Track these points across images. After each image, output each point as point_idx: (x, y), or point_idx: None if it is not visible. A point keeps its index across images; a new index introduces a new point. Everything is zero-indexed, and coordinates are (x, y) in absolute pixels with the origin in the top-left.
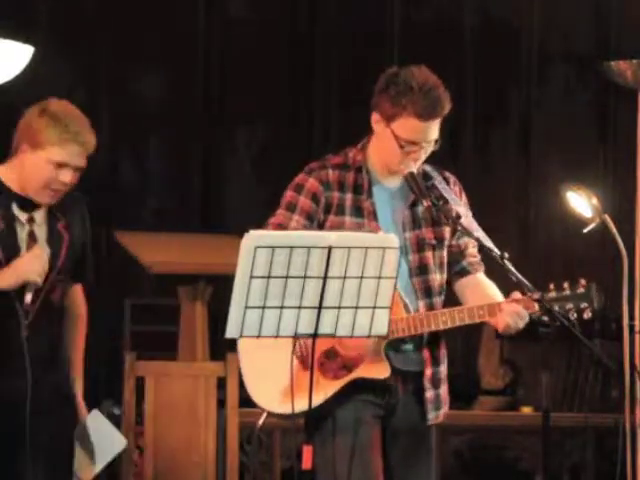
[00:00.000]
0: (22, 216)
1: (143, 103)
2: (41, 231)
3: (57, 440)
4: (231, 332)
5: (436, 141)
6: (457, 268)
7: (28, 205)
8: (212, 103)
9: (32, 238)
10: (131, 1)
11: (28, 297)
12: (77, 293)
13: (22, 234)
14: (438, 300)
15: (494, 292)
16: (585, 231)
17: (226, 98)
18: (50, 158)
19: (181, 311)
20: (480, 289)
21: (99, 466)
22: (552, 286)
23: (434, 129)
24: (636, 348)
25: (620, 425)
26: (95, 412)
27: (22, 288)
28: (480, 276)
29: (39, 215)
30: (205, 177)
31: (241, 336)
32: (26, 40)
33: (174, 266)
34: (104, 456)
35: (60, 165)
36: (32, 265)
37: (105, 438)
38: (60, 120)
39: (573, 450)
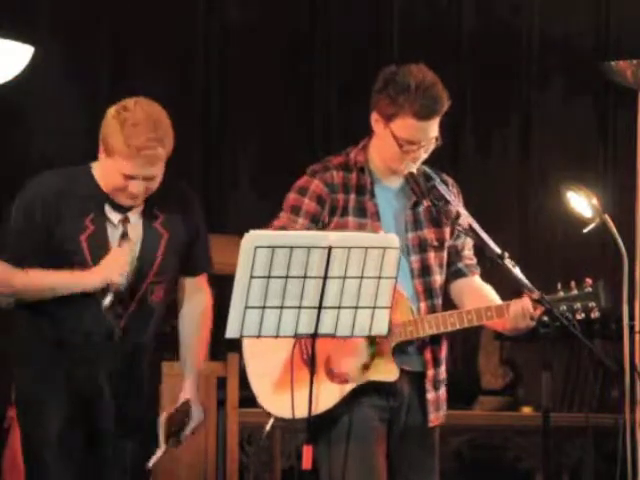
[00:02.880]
0: (115, 217)
1: None
2: (136, 232)
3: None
4: (231, 332)
5: (436, 139)
6: (453, 269)
7: (121, 205)
8: (212, 103)
9: (125, 240)
10: (131, 1)
11: (107, 300)
12: (192, 286)
13: (114, 236)
14: (439, 302)
15: (491, 295)
16: (585, 231)
17: (226, 98)
18: (118, 169)
19: None
20: (477, 292)
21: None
22: (559, 286)
23: (433, 128)
24: (636, 348)
25: (620, 425)
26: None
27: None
28: (477, 279)
29: (134, 215)
30: (205, 177)
31: (241, 336)
32: (26, 40)
33: None
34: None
35: (128, 176)
36: (111, 266)
37: None
38: (128, 130)
39: (573, 450)
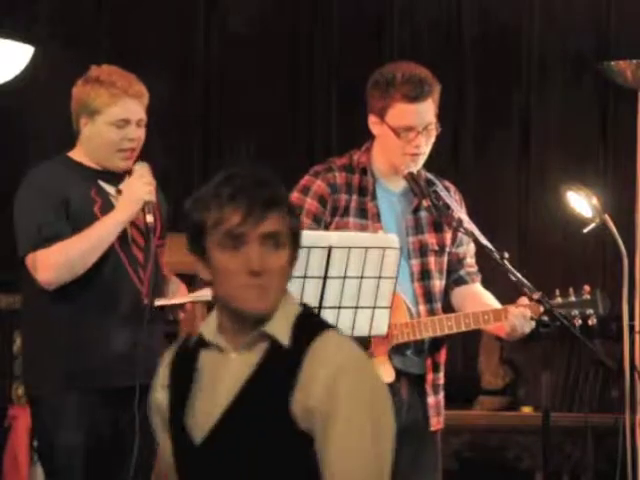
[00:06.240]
0: (110, 190)
1: None
2: None
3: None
4: None
5: (436, 126)
6: (454, 276)
7: (111, 178)
8: (212, 103)
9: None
10: (132, 2)
11: (149, 217)
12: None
13: None
14: (438, 306)
15: (492, 301)
16: (585, 231)
17: (226, 99)
18: (110, 120)
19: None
20: (478, 299)
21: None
22: (558, 292)
23: (427, 111)
24: (636, 348)
25: (620, 425)
26: None
27: (134, 261)
28: (477, 286)
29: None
30: (205, 177)
31: None
32: (26, 40)
33: (174, 266)
34: None
35: (121, 124)
36: (138, 185)
37: None
38: (105, 81)
39: (573, 450)
